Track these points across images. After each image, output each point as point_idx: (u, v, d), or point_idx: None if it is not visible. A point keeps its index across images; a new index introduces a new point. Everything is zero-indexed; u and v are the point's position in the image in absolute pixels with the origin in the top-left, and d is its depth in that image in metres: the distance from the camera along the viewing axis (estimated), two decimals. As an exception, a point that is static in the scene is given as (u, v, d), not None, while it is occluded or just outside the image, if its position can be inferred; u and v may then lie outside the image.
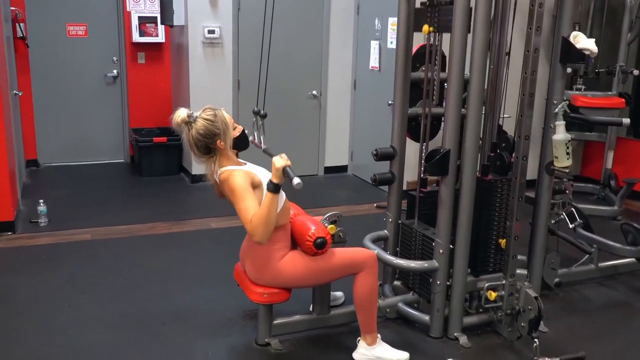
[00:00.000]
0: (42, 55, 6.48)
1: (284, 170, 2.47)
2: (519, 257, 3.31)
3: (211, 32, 5.78)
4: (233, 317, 3.27)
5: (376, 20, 5.92)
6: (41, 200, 4.71)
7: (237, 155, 2.81)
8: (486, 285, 3.01)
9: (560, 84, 2.95)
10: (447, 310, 3.08)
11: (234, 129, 2.73)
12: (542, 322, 3.19)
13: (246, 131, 2.85)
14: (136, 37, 6.55)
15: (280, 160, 2.48)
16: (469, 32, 2.76)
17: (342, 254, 2.79)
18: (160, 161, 6.33)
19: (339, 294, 3.37)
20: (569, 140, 2.94)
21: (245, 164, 2.77)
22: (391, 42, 5.61)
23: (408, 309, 3.23)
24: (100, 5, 6.61)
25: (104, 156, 6.98)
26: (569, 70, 5.21)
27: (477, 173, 3.06)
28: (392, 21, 5.50)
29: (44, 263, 3.99)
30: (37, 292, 3.55)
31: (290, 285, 2.78)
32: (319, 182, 6.33)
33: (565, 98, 2.95)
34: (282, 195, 2.67)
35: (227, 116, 2.69)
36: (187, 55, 5.86)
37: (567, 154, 2.95)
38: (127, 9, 6.51)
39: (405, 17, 3.14)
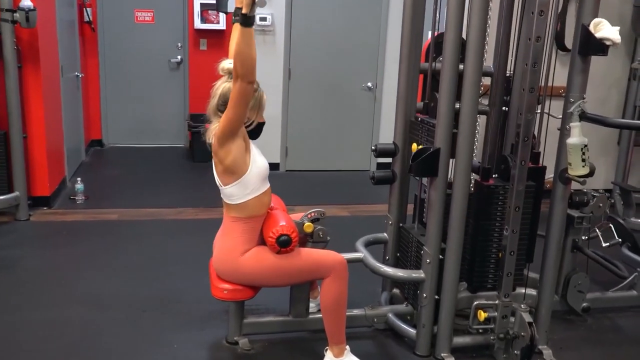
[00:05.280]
0: (111, 39, 6.75)
1: None
2: (531, 274, 2.96)
3: (263, 19, 5.71)
4: (215, 310, 3.15)
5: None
6: (79, 179, 4.88)
7: None
8: (475, 303, 2.67)
9: (579, 79, 2.52)
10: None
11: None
12: (550, 352, 2.81)
13: None
14: (198, 24, 6.62)
15: None
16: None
17: (308, 256, 2.58)
18: (212, 147, 6.38)
19: None
20: (585, 145, 2.52)
21: None
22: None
23: (396, 321, 2.95)
24: (167, -8, 6.77)
25: (165, 140, 7.16)
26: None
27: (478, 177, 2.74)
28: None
29: (62, 239, 4.11)
30: (42, 266, 3.66)
31: (250, 282, 2.61)
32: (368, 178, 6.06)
33: (584, 96, 2.53)
34: (264, 161, 2.56)
35: (265, 100, 2.56)
36: (238, 43, 5.83)
37: (583, 160, 2.53)
38: (191, -4, 6.60)
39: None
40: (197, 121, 6.60)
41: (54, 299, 3.24)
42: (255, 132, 2.60)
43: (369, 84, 6.15)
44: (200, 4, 6.55)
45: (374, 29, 6.04)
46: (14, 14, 4.03)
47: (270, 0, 5.71)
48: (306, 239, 2.80)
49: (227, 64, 2.49)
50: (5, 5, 4.02)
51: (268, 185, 2.62)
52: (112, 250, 3.94)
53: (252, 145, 2.56)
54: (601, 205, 3.09)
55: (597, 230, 3.23)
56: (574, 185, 2.68)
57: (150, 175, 5.91)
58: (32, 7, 4.06)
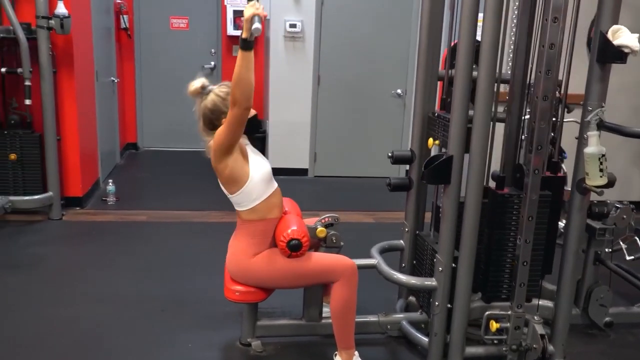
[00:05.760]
0: (147, 45, 6.93)
1: (252, 19, 2.15)
2: (549, 286, 2.92)
3: (293, 25, 5.77)
4: (231, 312, 3.19)
5: (466, 16, 5.50)
6: (110, 181, 5.03)
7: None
8: (487, 313, 2.63)
9: (598, 87, 2.47)
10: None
11: None
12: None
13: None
14: (231, 31, 6.74)
15: (250, 9, 2.16)
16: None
17: (318, 260, 2.60)
18: (243, 152, 6.46)
19: None
20: (603, 155, 2.46)
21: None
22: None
23: (410, 329, 2.94)
24: (202, -1, 6.91)
25: (198, 144, 7.19)
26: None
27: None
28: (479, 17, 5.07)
29: (91, 238, 4.24)
30: (67, 264, 3.79)
31: (260, 284, 2.65)
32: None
33: (603, 105, 2.47)
34: (265, 165, 2.58)
35: None
36: (268, 49, 5.91)
37: (601, 170, 2.47)
38: (224, 3, 6.72)
39: (429, 2, 2.85)
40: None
41: (74, 296, 3.35)
42: (250, 129, 2.57)
43: (399, 91, 6.14)
44: (233, 11, 6.69)
45: (403, 35, 6.03)
46: (50, 21, 4.19)
47: (300, 7, 5.77)
48: (319, 244, 2.82)
49: (191, 87, 2.52)
50: (41, 13, 4.18)
51: (275, 186, 2.64)
52: (137, 250, 4.05)
53: (250, 150, 2.59)
54: (625, 217, 3.01)
55: (622, 242, 3.14)
56: (597, 196, 2.62)
57: (181, 178, 6.03)
58: (66, 15, 4.21)
